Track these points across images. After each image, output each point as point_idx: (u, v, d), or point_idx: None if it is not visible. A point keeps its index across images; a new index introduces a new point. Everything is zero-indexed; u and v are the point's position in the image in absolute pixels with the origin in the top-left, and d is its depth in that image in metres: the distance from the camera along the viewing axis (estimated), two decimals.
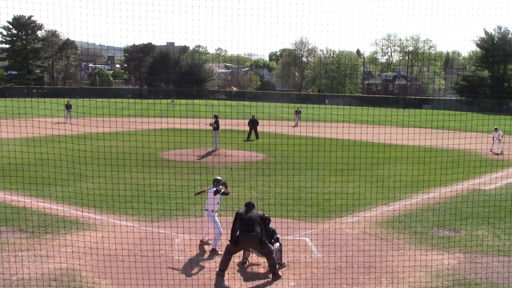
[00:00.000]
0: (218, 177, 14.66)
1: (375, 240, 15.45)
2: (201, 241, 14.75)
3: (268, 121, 50.20)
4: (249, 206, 12.95)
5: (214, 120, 32.80)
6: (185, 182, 18.49)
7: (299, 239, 15.31)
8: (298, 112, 56.00)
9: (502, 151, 35.45)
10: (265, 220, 12.78)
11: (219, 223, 14.23)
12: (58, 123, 41.67)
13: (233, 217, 13.00)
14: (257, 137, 41.05)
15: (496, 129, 36.09)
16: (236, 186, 20.19)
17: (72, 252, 13.59)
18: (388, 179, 22.75)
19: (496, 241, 15.59)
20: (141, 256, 13.49)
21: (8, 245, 14.16)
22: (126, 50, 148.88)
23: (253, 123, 41.94)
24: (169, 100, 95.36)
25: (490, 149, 35.64)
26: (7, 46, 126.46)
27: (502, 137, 35.96)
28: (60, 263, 12.91)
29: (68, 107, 51.88)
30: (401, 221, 17.21)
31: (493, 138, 36.27)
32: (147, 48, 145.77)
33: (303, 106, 69.20)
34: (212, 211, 14.13)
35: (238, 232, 12.63)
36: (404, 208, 19.26)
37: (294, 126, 53.01)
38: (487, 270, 13.19)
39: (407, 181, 19.42)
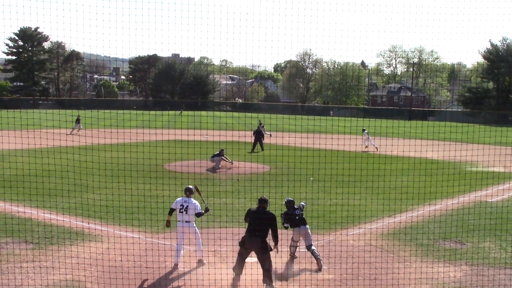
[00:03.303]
0: (190, 186, 14.64)
1: (380, 252, 15.40)
2: (200, 261, 14.39)
3: (276, 132, 50.35)
4: (262, 203, 12.94)
5: (220, 152, 31.81)
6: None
7: (305, 251, 15.27)
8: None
9: (376, 147, 41.20)
10: (274, 221, 12.78)
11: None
12: (66, 134, 41.81)
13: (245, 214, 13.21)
14: (262, 149, 40.80)
15: (364, 130, 42.58)
16: (242, 197, 20.20)
17: (78, 263, 13.60)
18: (394, 191, 22.69)
19: (502, 253, 15.52)
20: (146, 267, 13.48)
21: (14, 256, 14.17)
22: (131, 61, 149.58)
23: (258, 134, 41.58)
24: (177, 112, 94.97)
25: (366, 147, 41.22)
26: (13, 57, 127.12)
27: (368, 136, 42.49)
28: (65, 274, 12.92)
29: (77, 120, 52.66)
30: (407, 233, 17.15)
31: (368, 138, 42.00)
32: (152, 60, 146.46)
33: (310, 118, 69.12)
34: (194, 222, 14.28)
35: (246, 232, 12.73)
36: (410, 220, 19.20)
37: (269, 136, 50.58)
38: (494, 283, 13.13)
39: (412, 193, 19.38)
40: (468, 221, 18.17)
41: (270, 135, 50.52)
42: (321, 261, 14.09)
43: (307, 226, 14.63)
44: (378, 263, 14.16)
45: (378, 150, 40.52)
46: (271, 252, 12.61)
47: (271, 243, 12.70)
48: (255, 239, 12.46)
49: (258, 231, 12.51)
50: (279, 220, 13.57)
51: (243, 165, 31.18)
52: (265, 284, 12.48)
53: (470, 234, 16.84)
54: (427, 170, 26.48)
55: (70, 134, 46.83)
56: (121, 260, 13.98)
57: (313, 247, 14.37)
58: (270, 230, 12.70)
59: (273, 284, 12.56)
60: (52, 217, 18.35)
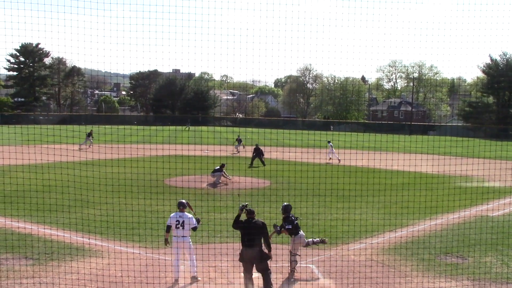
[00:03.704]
0: (183, 200, 14.57)
1: (381, 267, 15.34)
2: (194, 277, 14.24)
3: (276, 147, 50.38)
4: (250, 214, 13.07)
5: (220, 166, 31.81)
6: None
7: (306, 266, 15.22)
8: (239, 140, 53.80)
9: (339, 159, 43.06)
10: (265, 229, 12.94)
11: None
12: (74, 150, 41.78)
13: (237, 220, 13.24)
14: (263, 164, 40.72)
15: (329, 142, 44.86)
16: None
17: (78, 279, 13.55)
18: (394, 206, 22.66)
19: (504, 268, 15.46)
20: (147, 283, 13.42)
21: (14, 272, 14.12)
22: (132, 77, 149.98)
23: (257, 151, 41.68)
24: (185, 127, 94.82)
25: (330, 159, 44.02)
26: (15, 73, 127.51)
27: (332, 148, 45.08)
28: None
29: (89, 135, 53.38)
30: (408, 248, 17.10)
31: (331, 151, 44.40)
32: (152, 75, 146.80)
33: (310, 132, 69.15)
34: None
35: (241, 245, 12.83)
36: (411, 234, 19.15)
37: (235, 153, 51.77)
38: None
39: (413, 207, 19.34)
40: (470, 235, 18.11)
41: (243, 147, 52.51)
42: (323, 239, 14.98)
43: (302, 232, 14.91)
44: (379, 278, 14.09)
45: (340, 162, 42.02)
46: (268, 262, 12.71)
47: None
48: (253, 251, 12.59)
49: (253, 242, 12.63)
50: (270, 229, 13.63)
51: (244, 180, 31.18)
52: None
53: (472, 249, 16.78)
54: (427, 185, 26.44)
55: (79, 149, 46.85)
56: (122, 276, 13.93)
57: (309, 240, 14.84)
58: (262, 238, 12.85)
59: None
60: (52, 232, 18.31)
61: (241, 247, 12.79)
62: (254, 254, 12.56)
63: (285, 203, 15.19)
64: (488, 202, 25.32)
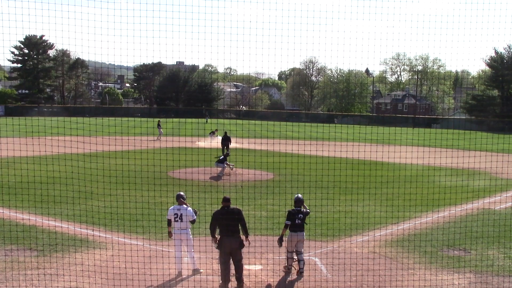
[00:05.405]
0: (181, 193, 14.58)
1: (384, 259, 15.37)
2: (196, 270, 14.22)
3: (279, 139, 50.40)
4: (225, 201, 13.11)
5: (225, 155, 32.21)
6: (195, 200, 18.53)
7: (308, 259, 15.26)
8: (213, 133, 53.04)
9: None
10: (241, 215, 13.00)
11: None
12: (154, 140, 41.85)
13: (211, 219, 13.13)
14: (223, 153, 40.61)
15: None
16: (246, 204, 20.19)
17: (82, 270, 13.61)
18: (397, 198, 22.69)
19: (507, 261, 15.48)
20: (150, 275, 13.49)
21: (18, 263, 14.20)
22: (136, 69, 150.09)
23: (224, 140, 41.74)
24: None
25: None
26: (19, 65, 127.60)
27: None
28: (70, 281, 12.93)
29: (158, 125, 56.78)
30: (411, 241, 17.13)
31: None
32: (156, 67, 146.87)
33: (314, 125, 69.09)
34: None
35: (219, 234, 12.86)
36: (414, 227, 19.18)
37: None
38: None
39: (416, 200, 19.36)
40: (473, 228, 18.13)
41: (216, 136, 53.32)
42: (303, 267, 13.91)
43: (304, 233, 14.19)
44: (382, 271, 14.13)
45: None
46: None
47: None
48: (233, 239, 12.71)
49: (232, 230, 12.73)
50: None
51: (247, 172, 31.22)
52: (237, 282, 12.77)
53: (475, 242, 16.80)
54: (430, 177, 26.44)
55: (158, 140, 49.57)
56: (125, 268, 13.99)
57: (302, 255, 14.03)
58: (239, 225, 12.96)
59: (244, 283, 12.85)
60: (57, 224, 18.38)
61: (220, 237, 12.82)
62: (235, 243, 12.69)
63: (297, 195, 14.51)
64: (491, 195, 25.33)
